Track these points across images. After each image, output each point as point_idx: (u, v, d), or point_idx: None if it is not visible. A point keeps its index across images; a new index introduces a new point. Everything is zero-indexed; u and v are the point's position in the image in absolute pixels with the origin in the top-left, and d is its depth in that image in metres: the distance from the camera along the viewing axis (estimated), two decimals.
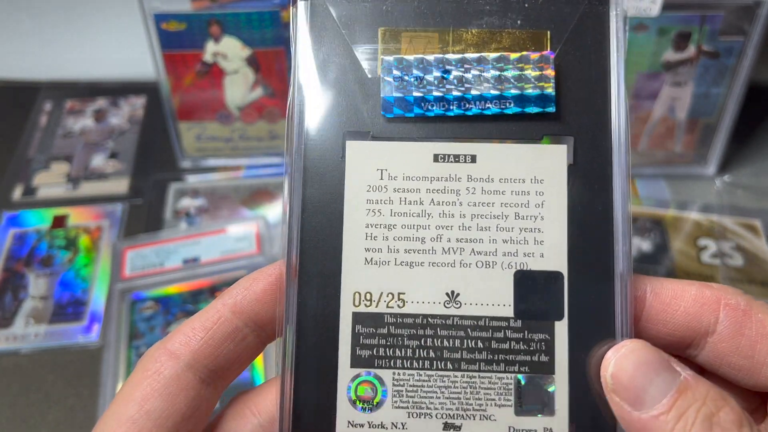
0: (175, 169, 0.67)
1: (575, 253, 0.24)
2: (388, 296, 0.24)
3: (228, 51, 0.60)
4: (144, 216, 0.63)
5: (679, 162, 0.66)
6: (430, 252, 0.24)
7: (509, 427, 0.23)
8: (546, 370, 0.24)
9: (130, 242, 0.60)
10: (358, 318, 0.24)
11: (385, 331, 0.24)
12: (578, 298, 0.24)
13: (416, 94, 0.25)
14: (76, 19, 0.77)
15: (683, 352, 0.24)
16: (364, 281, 0.24)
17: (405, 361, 0.24)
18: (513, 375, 0.24)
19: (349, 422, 0.24)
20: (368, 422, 0.24)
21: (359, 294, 0.24)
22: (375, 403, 0.24)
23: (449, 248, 0.24)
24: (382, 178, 0.25)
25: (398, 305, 0.24)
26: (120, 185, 0.66)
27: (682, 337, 0.23)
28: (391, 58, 0.25)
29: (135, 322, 0.54)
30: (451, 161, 0.25)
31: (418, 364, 0.24)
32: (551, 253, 0.24)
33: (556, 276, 0.24)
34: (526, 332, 0.24)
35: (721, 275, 0.56)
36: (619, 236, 0.24)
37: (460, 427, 0.24)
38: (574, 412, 0.23)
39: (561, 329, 0.24)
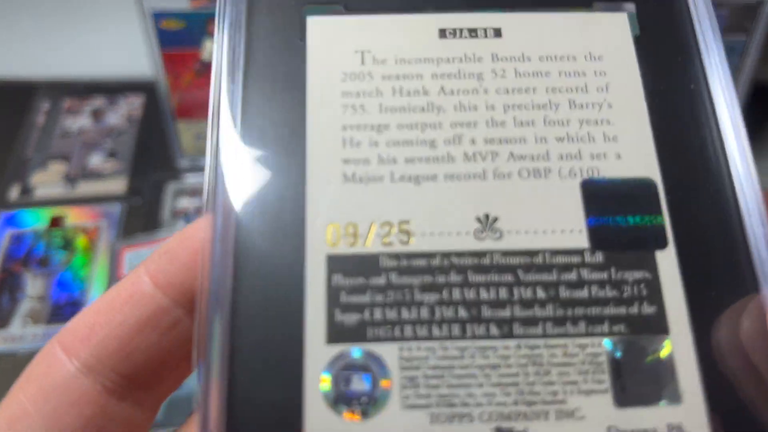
0: (174, 169, 0.66)
1: (667, 150, 0.17)
2: (383, 228, 0.16)
3: None
4: (142, 216, 0.63)
5: None
6: (447, 160, 0.17)
7: (608, 428, 0.14)
8: (656, 328, 0.15)
9: (128, 242, 0.59)
10: (335, 263, 0.15)
11: (381, 281, 0.15)
12: (685, 214, 0.16)
13: None
14: (74, 17, 0.77)
15: None
16: (345, 207, 0.16)
17: (419, 327, 0.15)
18: (603, 339, 0.15)
19: None
20: None
21: (337, 227, 0.16)
22: (372, 402, 0.14)
23: (475, 153, 0.17)
24: (363, 63, 0.17)
25: (401, 240, 0.16)
26: (118, 185, 0.65)
27: None
28: None
29: None
30: (466, 36, 0.18)
31: (441, 331, 0.15)
32: (632, 153, 0.17)
33: (646, 184, 0.16)
34: (613, 270, 0.16)
35: None
36: (727, 120, 0.17)
37: None
38: (714, 396, 0.15)
39: (667, 262, 0.16)
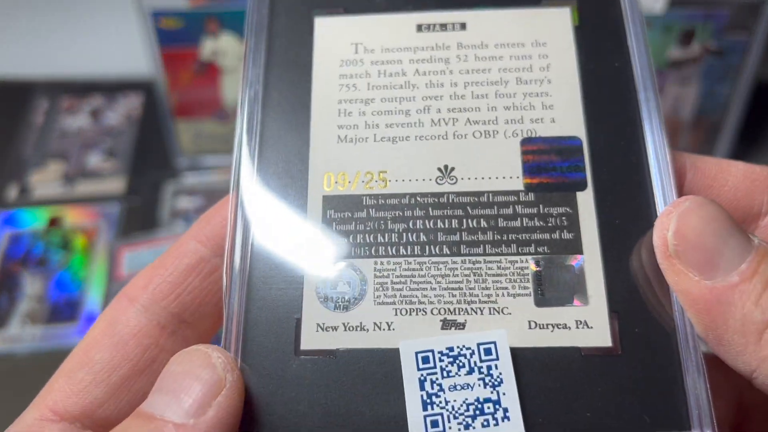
0: (173, 168, 0.66)
1: (593, 114, 0.21)
2: (366, 176, 0.21)
3: (227, 48, 0.60)
4: (141, 215, 0.62)
5: None
6: (417, 125, 0.21)
7: (529, 322, 0.19)
8: (572, 249, 0.19)
9: (126, 242, 0.59)
10: (329, 201, 0.20)
11: (363, 214, 0.20)
12: (603, 165, 0.20)
13: None
14: (73, 16, 0.77)
15: None
16: (338, 161, 0.21)
17: (390, 247, 0.20)
18: (529, 257, 0.19)
19: (318, 325, 0.19)
20: (343, 324, 0.19)
21: (331, 175, 0.21)
22: (352, 300, 0.19)
23: (440, 119, 0.21)
24: (357, 52, 0.22)
25: (379, 185, 0.21)
26: (116, 184, 0.65)
27: None
28: None
29: None
30: (438, 30, 0.22)
31: (407, 251, 0.20)
32: (565, 117, 0.21)
33: (573, 141, 0.21)
34: (541, 206, 0.20)
35: None
36: (641, 91, 0.21)
37: (463, 324, 0.19)
38: (614, 300, 0.19)
39: (585, 200, 0.20)
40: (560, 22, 0.22)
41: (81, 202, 0.63)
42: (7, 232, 0.61)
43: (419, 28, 0.22)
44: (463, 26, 0.22)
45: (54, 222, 0.62)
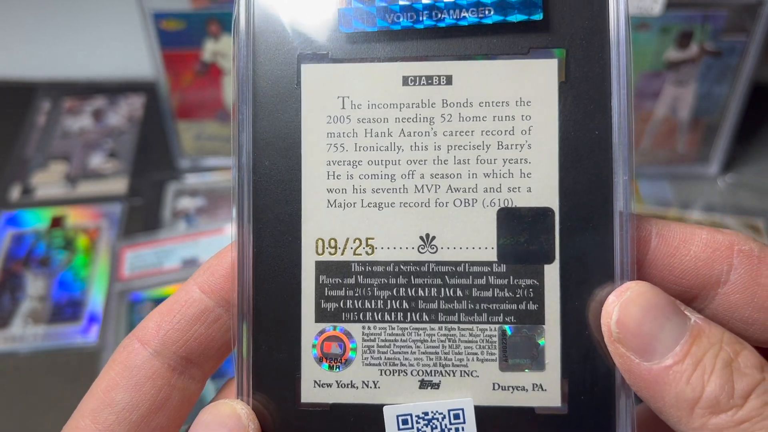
0: (174, 169, 0.67)
1: (568, 186, 0.21)
2: (355, 242, 0.22)
3: (228, 50, 0.60)
4: (143, 216, 0.63)
5: (681, 162, 0.65)
6: (402, 191, 0.22)
7: (493, 384, 0.21)
8: (534, 320, 0.21)
9: (128, 242, 0.59)
10: (321, 268, 0.22)
11: (352, 281, 0.22)
12: (572, 239, 0.21)
13: (379, 3, 0.21)
14: (75, 17, 0.77)
15: (689, 304, 0.21)
16: (328, 226, 0.22)
17: (376, 313, 0.22)
18: (497, 326, 0.21)
19: (315, 382, 0.22)
20: (336, 381, 0.22)
21: (322, 241, 0.22)
22: (343, 361, 0.22)
23: (423, 186, 0.22)
24: (344, 108, 0.22)
25: (366, 252, 0.22)
26: (118, 185, 0.65)
27: (690, 286, 0.21)
28: None
29: (133, 323, 0.54)
30: (423, 84, 0.22)
31: (391, 317, 0.22)
32: (540, 187, 0.21)
33: (545, 213, 0.21)
34: (511, 278, 0.21)
35: None
36: (619, 166, 0.21)
37: (438, 384, 0.21)
38: (567, 367, 0.21)
39: (551, 273, 0.21)
40: (546, 77, 0.21)
41: (83, 202, 0.64)
42: (9, 232, 0.61)
43: (405, 80, 0.22)
44: (449, 80, 0.22)
45: (56, 222, 0.62)
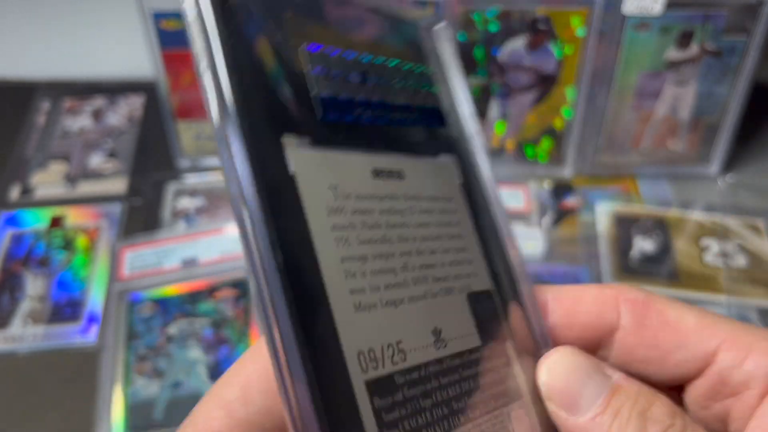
0: (174, 169, 0.67)
1: (493, 269, 0.23)
2: (389, 350, 0.18)
3: None
4: (142, 216, 0.63)
5: (681, 161, 0.65)
6: (404, 285, 0.20)
7: None
8: (516, 397, 0.22)
9: (128, 242, 0.59)
10: (372, 388, 0.18)
11: (400, 397, 0.18)
12: (507, 314, 0.23)
13: (348, 95, 0.21)
14: (75, 17, 0.77)
15: (595, 353, 0.24)
16: (363, 335, 0.18)
17: (429, 429, 0.19)
18: (505, 408, 0.21)
19: None
20: None
21: (363, 354, 0.18)
22: None
23: (417, 278, 0.20)
24: (336, 199, 0.19)
25: (401, 359, 0.19)
26: (118, 185, 0.65)
27: (590, 338, 0.23)
28: (318, 52, 0.20)
29: (133, 323, 0.54)
30: (386, 177, 0.21)
31: (441, 429, 0.19)
32: (479, 271, 0.23)
33: (488, 294, 0.23)
34: (494, 359, 0.22)
35: (724, 276, 0.56)
36: (504, 249, 0.23)
37: None
38: None
39: (511, 349, 0.22)
40: (451, 178, 0.23)
41: (83, 202, 0.64)
42: (9, 232, 0.61)
43: (375, 173, 0.21)
44: (400, 175, 0.21)
45: (56, 222, 0.62)
